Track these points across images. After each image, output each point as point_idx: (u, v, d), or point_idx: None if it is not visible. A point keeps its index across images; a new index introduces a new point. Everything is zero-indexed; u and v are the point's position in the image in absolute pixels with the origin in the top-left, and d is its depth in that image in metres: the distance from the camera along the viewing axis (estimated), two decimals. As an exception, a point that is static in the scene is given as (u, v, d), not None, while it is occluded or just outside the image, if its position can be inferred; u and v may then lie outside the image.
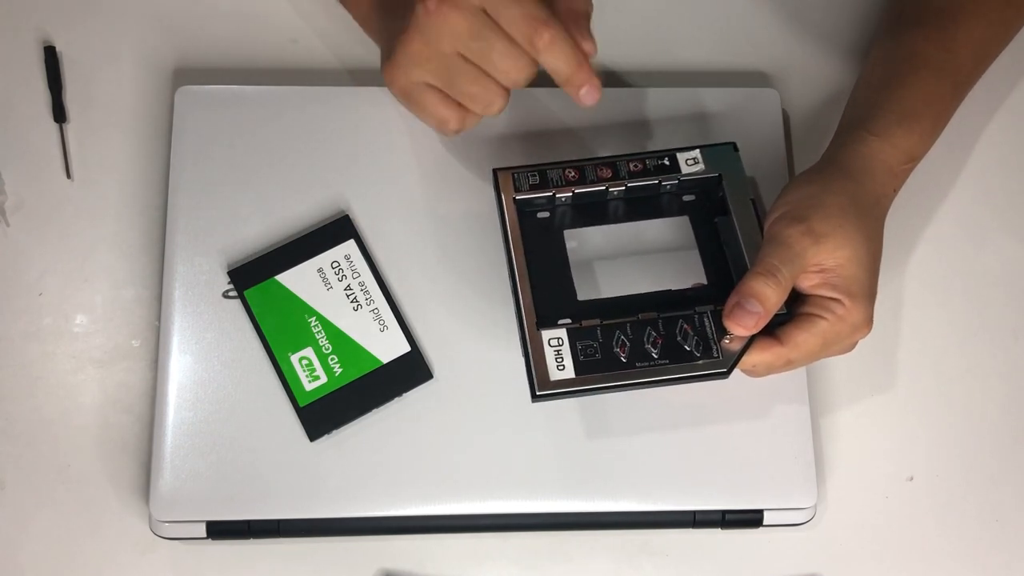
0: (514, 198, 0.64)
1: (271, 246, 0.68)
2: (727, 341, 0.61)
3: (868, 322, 0.61)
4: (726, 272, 0.64)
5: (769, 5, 0.77)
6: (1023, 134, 0.75)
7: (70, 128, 0.73)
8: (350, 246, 0.68)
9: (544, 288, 0.63)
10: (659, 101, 0.72)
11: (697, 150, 0.65)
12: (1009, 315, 0.71)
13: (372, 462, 0.64)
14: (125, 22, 0.76)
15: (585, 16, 0.61)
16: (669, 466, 0.64)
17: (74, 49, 0.75)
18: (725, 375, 0.60)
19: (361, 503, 0.64)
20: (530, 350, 0.60)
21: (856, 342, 0.62)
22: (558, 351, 0.61)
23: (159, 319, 0.67)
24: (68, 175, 0.72)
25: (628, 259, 0.66)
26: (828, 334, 0.60)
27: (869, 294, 0.61)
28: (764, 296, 0.58)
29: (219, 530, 0.64)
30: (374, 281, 0.67)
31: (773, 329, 0.60)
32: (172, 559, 0.65)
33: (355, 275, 0.67)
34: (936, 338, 0.70)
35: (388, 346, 0.66)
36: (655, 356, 0.61)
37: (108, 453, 0.67)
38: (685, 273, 0.65)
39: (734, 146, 0.66)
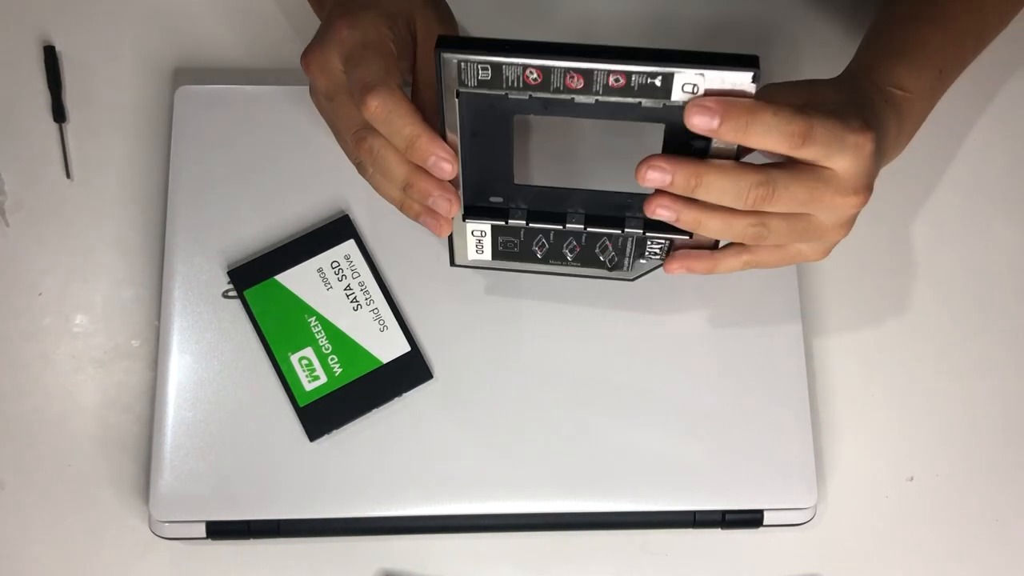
0: (457, 91, 0.52)
1: (271, 246, 0.68)
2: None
3: (866, 129, 0.53)
4: None
5: (770, 5, 0.77)
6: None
7: (70, 128, 0.73)
8: (350, 246, 0.68)
9: (480, 164, 0.57)
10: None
11: (703, 73, 0.50)
12: (1010, 315, 0.71)
13: (372, 462, 0.64)
14: (125, 22, 0.76)
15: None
16: (669, 466, 0.64)
17: (74, 49, 0.75)
18: (630, 280, 0.63)
19: (361, 503, 0.64)
20: (453, 233, 0.60)
21: (868, 156, 0.54)
22: (480, 240, 0.61)
23: (159, 319, 0.67)
24: (68, 175, 0.72)
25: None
26: (829, 101, 0.54)
27: (863, 117, 0.54)
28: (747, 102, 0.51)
29: (219, 530, 0.64)
30: (374, 281, 0.67)
31: None
32: (172, 559, 0.65)
33: (355, 275, 0.67)
34: (936, 338, 0.70)
35: (388, 346, 0.66)
36: (569, 259, 0.62)
37: (108, 453, 0.67)
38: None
39: (755, 62, 0.50)
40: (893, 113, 0.59)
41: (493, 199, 0.59)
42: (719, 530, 0.65)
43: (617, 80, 0.50)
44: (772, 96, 0.54)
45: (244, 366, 0.66)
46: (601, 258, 0.62)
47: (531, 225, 0.59)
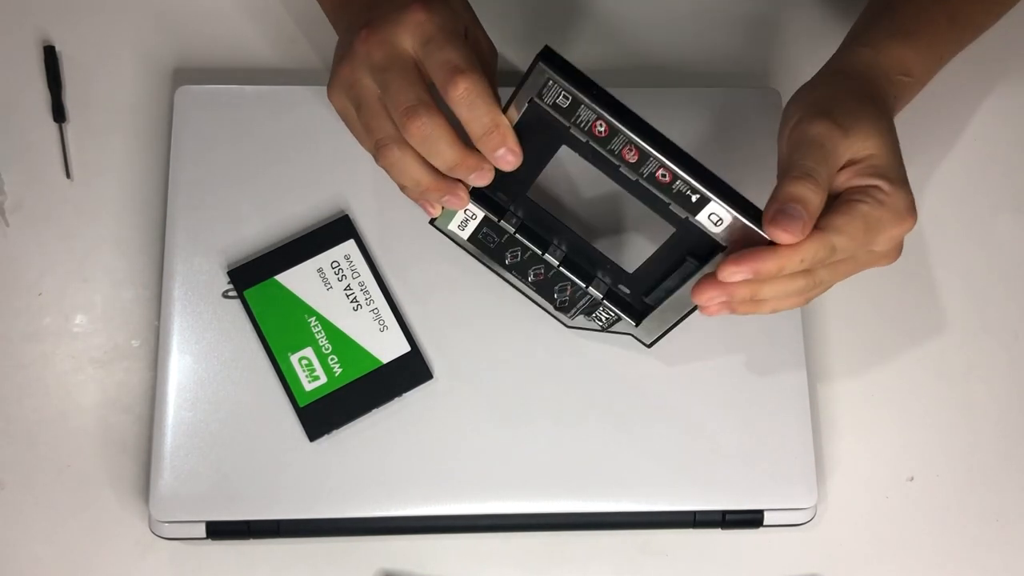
0: (531, 99, 0.54)
1: (271, 246, 0.68)
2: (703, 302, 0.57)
3: (912, 209, 0.55)
4: (652, 286, 0.61)
5: (769, 5, 0.77)
6: None
7: (70, 128, 0.73)
8: (350, 246, 0.68)
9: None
10: (659, 101, 0.71)
11: (732, 214, 0.54)
12: (1010, 315, 0.71)
13: (372, 462, 0.64)
14: (125, 22, 0.76)
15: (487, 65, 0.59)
16: (669, 466, 0.64)
17: (74, 49, 0.75)
18: (565, 326, 0.66)
19: (361, 503, 0.64)
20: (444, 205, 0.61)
21: (901, 236, 0.56)
22: (467, 220, 0.62)
23: (159, 319, 0.67)
24: (68, 175, 0.72)
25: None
26: (870, 217, 0.54)
27: (904, 180, 0.56)
28: (806, 198, 0.53)
29: (219, 530, 0.64)
30: (374, 281, 0.67)
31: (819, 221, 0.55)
32: (172, 559, 0.65)
33: (355, 275, 0.67)
34: (936, 338, 0.70)
35: (388, 346, 0.66)
36: (528, 280, 0.64)
37: (108, 453, 0.67)
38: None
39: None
40: (898, 100, 0.61)
41: (500, 195, 0.61)
42: (719, 530, 0.65)
43: (664, 176, 0.54)
44: (797, 104, 0.58)
45: (244, 366, 0.66)
46: (555, 295, 0.65)
47: (517, 235, 0.62)
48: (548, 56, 0.53)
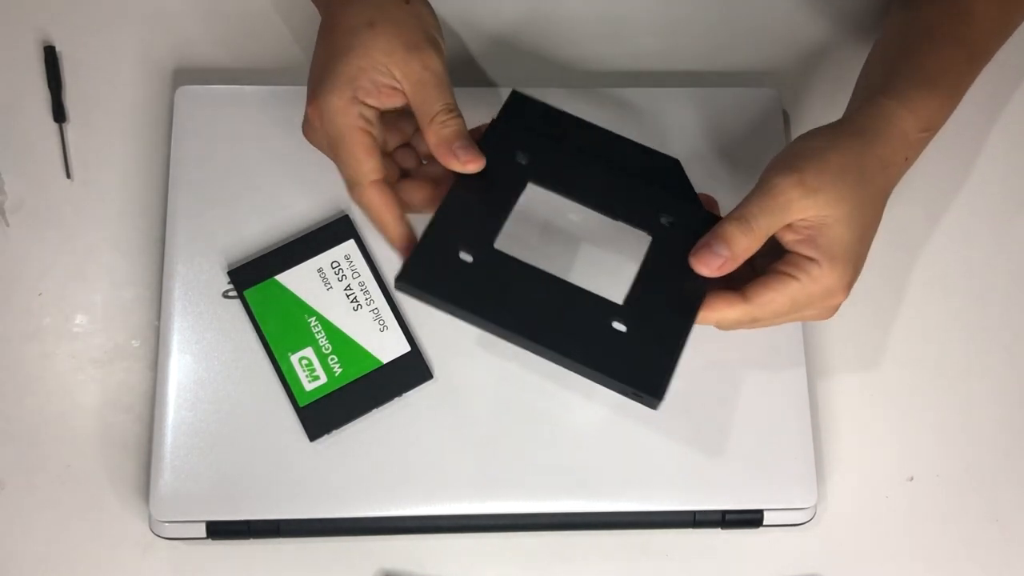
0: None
1: (271, 246, 0.68)
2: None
3: (844, 288, 0.58)
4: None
5: (769, 5, 0.77)
6: None
7: (70, 128, 0.73)
8: (350, 246, 0.68)
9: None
10: (660, 101, 0.72)
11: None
12: (1010, 314, 0.71)
13: (372, 462, 0.64)
14: (125, 22, 0.76)
15: (456, 137, 0.58)
16: (669, 466, 0.64)
17: (74, 49, 0.75)
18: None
19: (361, 503, 0.64)
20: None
21: (834, 307, 0.59)
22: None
23: (159, 319, 0.67)
24: (68, 175, 0.72)
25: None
26: (798, 295, 0.57)
27: (852, 260, 0.58)
28: (734, 241, 0.56)
29: (219, 530, 0.64)
30: (374, 281, 0.67)
31: (740, 285, 0.58)
32: (172, 559, 0.65)
33: (355, 275, 0.67)
34: (936, 337, 0.70)
35: (388, 346, 0.66)
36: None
37: (108, 453, 0.67)
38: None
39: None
40: (909, 162, 0.61)
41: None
42: (719, 530, 0.65)
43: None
44: (793, 146, 0.59)
45: (244, 366, 0.66)
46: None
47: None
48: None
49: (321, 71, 0.60)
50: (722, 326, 0.59)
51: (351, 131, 0.59)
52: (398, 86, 0.59)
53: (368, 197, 0.59)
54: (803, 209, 0.56)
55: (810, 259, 0.57)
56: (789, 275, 0.57)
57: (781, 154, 0.59)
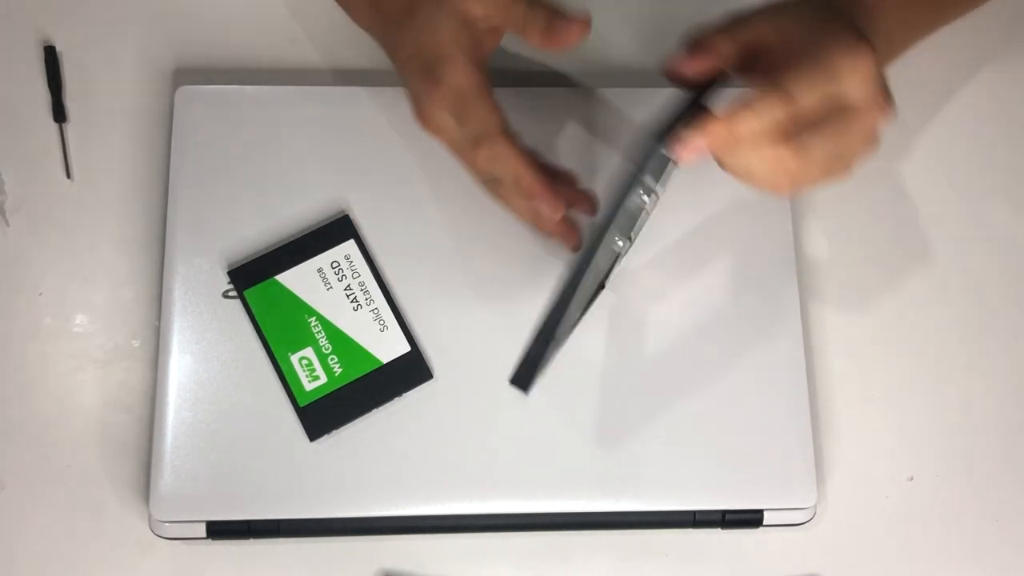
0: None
1: (271, 246, 0.68)
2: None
3: (862, 40, 0.54)
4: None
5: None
6: None
7: (70, 128, 0.73)
8: (350, 246, 0.68)
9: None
10: (659, 101, 0.71)
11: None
12: (1010, 314, 0.71)
13: (372, 462, 0.64)
14: (125, 22, 0.76)
15: (551, 13, 0.60)
16: (669, 466, 0.64)
17: (74, 49, 0.75)
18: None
19: (361, 503, 0.64)
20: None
21: (867, 74, 0.54)
22: None
23: (159, 319, 0.67)
24: (68, 175, 0.72)
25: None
26: (815, 52, 0.54)
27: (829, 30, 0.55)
28: (707, 34, 0.58)
29: (219, 530, 0.64)
30: (374, 281, 0.67)
31: None
32: (172, 559, 0.65)
33: (355, 275, 0.67)
34: (937, 337, 0.70)
35: (388, 346, 0.66)
36: None
37: (108, 453, 0.67)
38: None
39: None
40: (870, 20, 0.59)
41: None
42: (719, 530, 0.65)
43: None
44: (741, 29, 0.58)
45: (244, 366, 0.66)
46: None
47: None
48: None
49: (418, 60, 0.61)
50: (761, 115, 0.54)
51: (479, 89, 0.60)
52: (491, 22, 0.61)
53: (501, 145, 0.60)
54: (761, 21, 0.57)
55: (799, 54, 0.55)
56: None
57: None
